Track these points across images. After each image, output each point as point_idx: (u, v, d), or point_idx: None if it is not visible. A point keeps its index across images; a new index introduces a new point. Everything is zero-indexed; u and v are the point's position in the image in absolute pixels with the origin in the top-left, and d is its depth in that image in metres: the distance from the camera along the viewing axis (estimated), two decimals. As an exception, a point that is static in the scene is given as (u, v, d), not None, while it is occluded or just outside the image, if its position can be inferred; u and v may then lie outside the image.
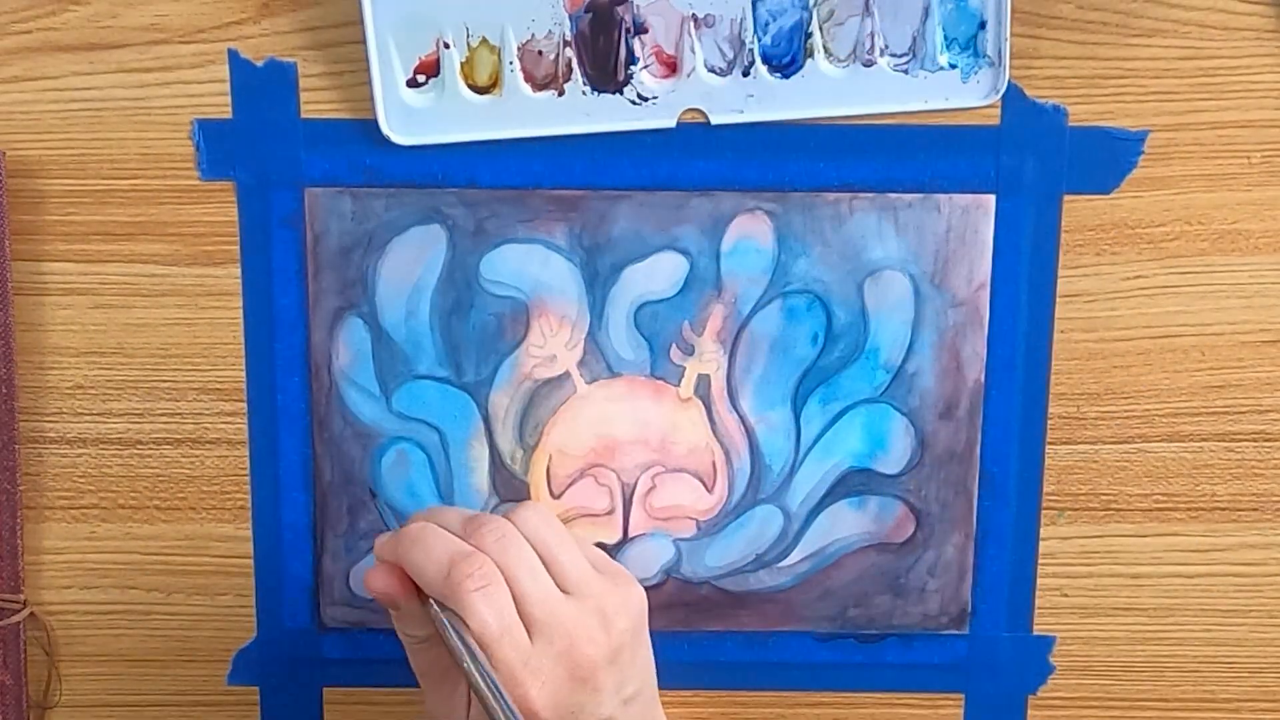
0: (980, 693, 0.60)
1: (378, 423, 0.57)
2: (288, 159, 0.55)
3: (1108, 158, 0.55)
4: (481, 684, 0.45)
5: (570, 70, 0.54)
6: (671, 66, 0.54)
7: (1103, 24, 0.54)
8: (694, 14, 0.53)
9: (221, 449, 0.57)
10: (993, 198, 0.55)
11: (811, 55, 0.54)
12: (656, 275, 0.56)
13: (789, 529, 0.58)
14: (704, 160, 0.55)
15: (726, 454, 0.57)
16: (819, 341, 0.57)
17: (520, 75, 0.54)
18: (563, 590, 0.47)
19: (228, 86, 0.54)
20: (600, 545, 0.58)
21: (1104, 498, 0.58)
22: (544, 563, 0.48)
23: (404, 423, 0.57)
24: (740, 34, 0.53)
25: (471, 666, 0.45)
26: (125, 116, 0.54)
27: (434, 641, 0.48)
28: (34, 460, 0.57)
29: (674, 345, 0.57)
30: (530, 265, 0.56)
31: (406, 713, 0.60)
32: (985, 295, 0.56)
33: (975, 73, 0.54)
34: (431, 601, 0.47)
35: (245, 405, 0.57)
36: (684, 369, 0.57)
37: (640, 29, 0.53)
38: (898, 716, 0.60)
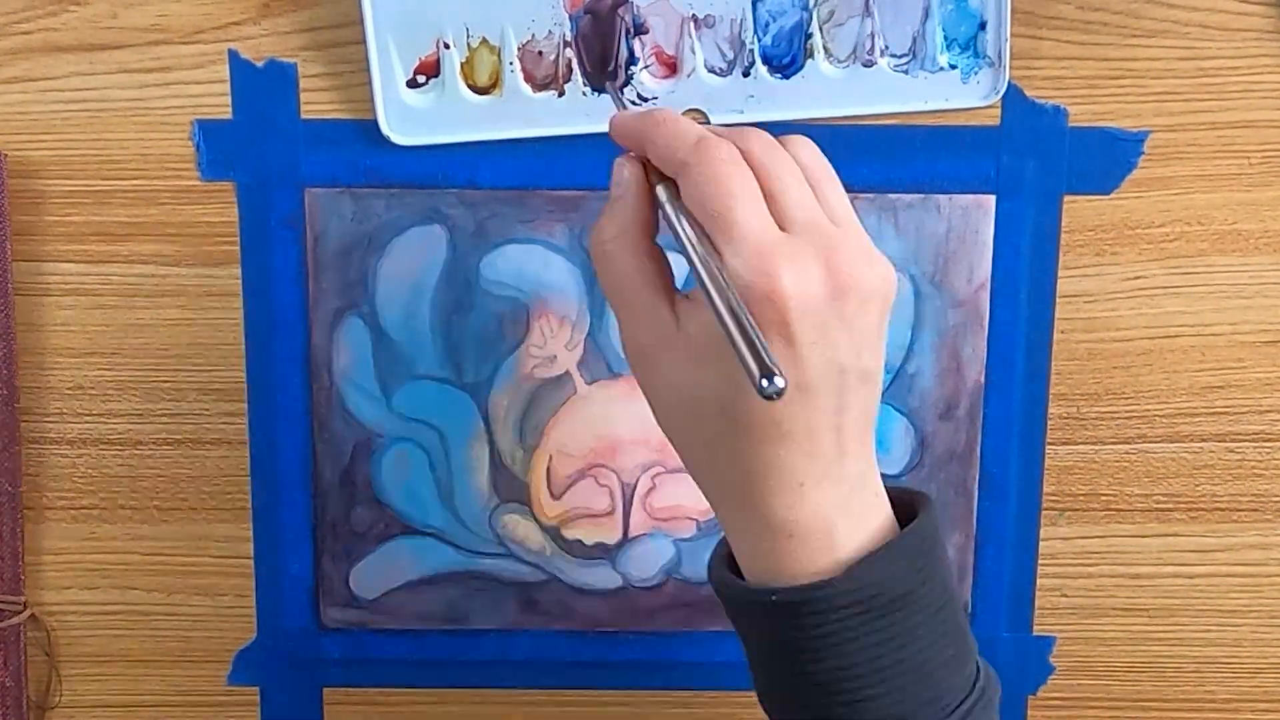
0: (980, 693, 0.60)
1: (378, 423, 0.57)
2: (288, 159, 0.55)
3: (1108, 158, 0.55)
4: (701, 270, 0.39)
5: (570, 71, 0.54)
6: (671, 67, 0.54)
7: (1103, 24, 0.54)
8: (694, 14, 0.53)
9: (221, 449, 0.57)
10: (993, 198, 0.55)
11: (811, 56, 0.54)
12: (656, 275, 0.56)
13: (789, 529, 0.58)
14: (704, 160, 0.55)
15: (726, 454, 0.57)
16: (819, 342, 0.56)
17: (520, 75, 0.54)
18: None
19: (228, 87, 0.54)
20: (600, 545, 0.58)
21: (1104, 498, 0.58)
22: (811, 187, 0.42)
23: (404, 423, 0.57)
24: (740, 34, 0.53)
25: (695, 249, 0.39)
26: (125, 117, 0.54)
27: (642, 247, 0.43)
28: (34, 461, 0.57)
29: (674, 345, 0.57)
30: (530, 265, 0.56)
31: (406, 713, 0.60)
32: (985, 295, 0.56)
33: (975, 73, 0.54)
34: (665, 193, 0.42)
35: (245, 405, 0.57)
36: (684, 369, 0.57)
37: (640, 29, 0.53)
38: (898, 716, 0.60)
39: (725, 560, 0.44)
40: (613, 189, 0.44)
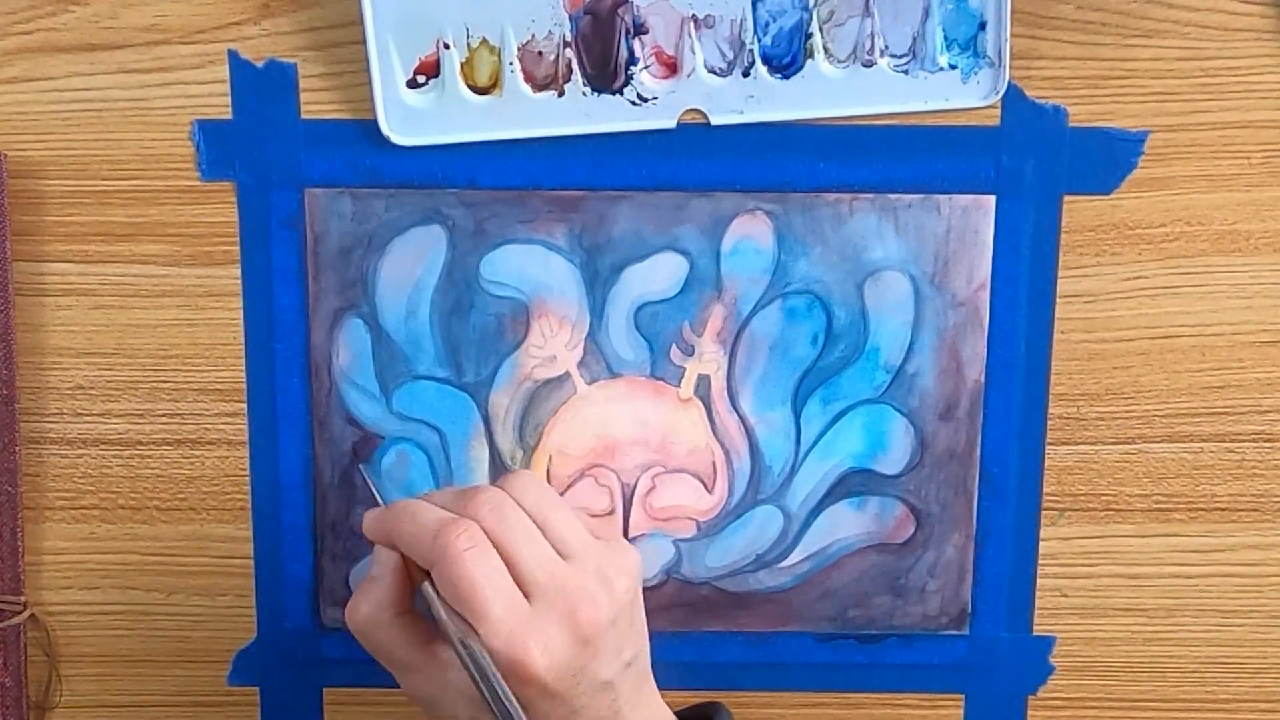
0: (980, 693, 0.60)
1: (378, 423, 0.57)
2: (288, 159, 0.55)
3: (1108, 158, 0.55)
4: (464, 655, 0.44)
5: (570, 71, 0.54)
6: (671, 67, 0.54)
7: (1103, 24, 0.54)
8: (694, 14, 0.53)
9: (221, 449, 0.57)
10: (993, 198, 0.55)
11: (811, 56, 0.54)
12: (656, 276, 0.56)
13: (789, 529, 0.58)
14: (704, 160, 0.55)
15: (726, 454, 0.57)
16: (819, 342, 0.57)
17: (520, 76, 0.54)
18: (560, 555, 0.47)
19: (228, 87, 0.54)
20: (600, 545, 0.58)
21: (1104, 498, 0.58)
22: (540, 529, 0.47)
23: (404, 423, 0.57)
24: (740, 34, 0.53)
25: (455, 636, 0.45)
26: (125, 117, 0.54)
27: (404, 621, 0.48)
28: (34, 461, 0.57)
29: (674, 346, 0.57)
30: (530, 266, 0.56)
31: (406, 713, 0.60)
32: (985, 295, 0.56)
33: (975, 73, 0.54)
34: (423, 585, 0.46)
35: (245, 405, 0.57)
36: (684, 369, 0.57)
37: (640, 29, 0.53)
38: (898, 717, 0.60)
39: None
40: (371, 569, 0.48)
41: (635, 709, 0.48)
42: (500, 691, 0.44)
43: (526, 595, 0.45)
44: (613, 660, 0.47)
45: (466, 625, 0.45)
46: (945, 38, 0.53)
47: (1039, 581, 0.59)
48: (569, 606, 0.46)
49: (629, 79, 0.54)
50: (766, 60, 0.54)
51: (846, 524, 0.58)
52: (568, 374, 0.57)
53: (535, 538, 0.46)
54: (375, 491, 0.52)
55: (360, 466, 0.57)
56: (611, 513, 0.58)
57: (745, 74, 0.54)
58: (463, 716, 0.47)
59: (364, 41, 0.53)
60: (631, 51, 0.53)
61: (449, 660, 0.46)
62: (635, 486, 0.58)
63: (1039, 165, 0.55)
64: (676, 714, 0.51)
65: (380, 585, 0.48)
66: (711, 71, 0.54)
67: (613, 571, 0.47)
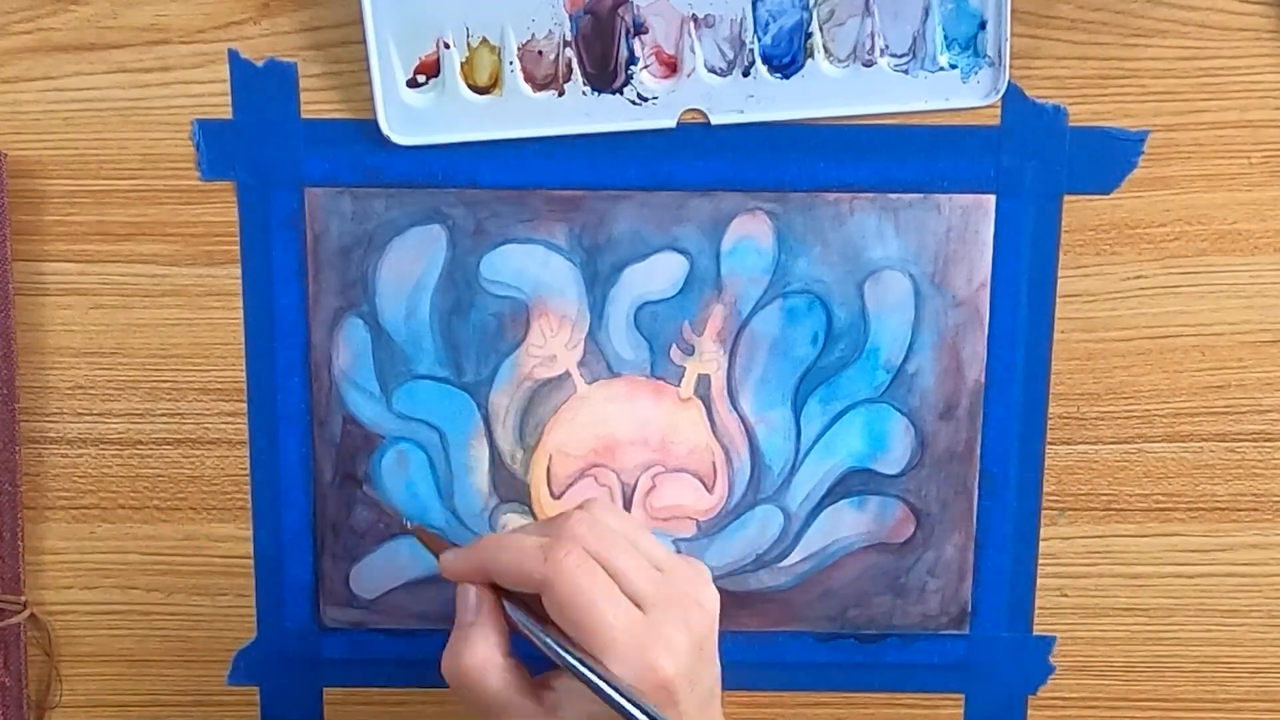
0: (980, 693, 0.60)
1: (378, 423, 0.57)
2: (288, 159, 0.55)
3: (1108, 158, 0.55)
4: (589, 675, 0.43)
5: (570, 70, 0.54)
6: (671, 67, 0.54)
7: (1103, 24, 0.54)
8: (694, 14, 0.53)
9: (221, 449, 0.57)
10: (993, 198, 0.55)
11: (811, 55, 0.54)
12: (656, 275, 0.56)
13: (789, 529, 0.58)
14: (704, 160, 0.55)
15: (726, 454, 0.57)
16: (819, 341, 0.57)
17: (520, 75, 0.54)
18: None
19: (228, 86, 0.54)
20: (600, 545, 0.58)
21: (1104, 498, 0.58)
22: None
23: (404, 423, 0.57)
24: (740, 34, 0.53)
25: (576, 659, 0.44)
26: (125, 116, 0.54)
27: (507, 665, 0.47)
28: (34, 460, 0.57)
29: (674, 345, 0.57)
30: (530, 265, 0.56)
31: (406, 713, 0.60)
32: (985, 295, 0.56)
33: (975, 73, 0.54)
34: (511, 611, 0.46)
35: (245, 405, 0.57)
36: (684, 369, 0.57)
37: (640, 29, 0.53)
38: (898, 716, 0.60)
39: None
40: (461, 615, 0.47)
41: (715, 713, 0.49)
42: (633, 702, 0.43)
43: (639, 606, 0.45)
44: (716, 667, 0.48)
45: (583, 650, 0.45)
46: (945, 37, 0.53)
47: (1039, 581, 0.59)
48: (682, 613, 0.46)
49: (629, 79, 0.54)
50: (766, 60, 0.54)
51: (846, 524, 0.58)
52: (568, 374, 0.57)
53: (633, 552, 0.47)
54: (434, 536, 0.52)
55: (406, 523, 0.56)
56: (611, 513, 0.58)
57: (745, 74, 0.54)
58: None
59: (364, 41, 0.53)
60: (631, 51, 0.53)
61: (559, 700, 0.46)
62: (635, 486, 0.58)
63: (1039, 165, 0.55)
64: None
65: (483, 628, 0.47)
66: (711, 71, 0.54)
67: (701, 581, 0.48)
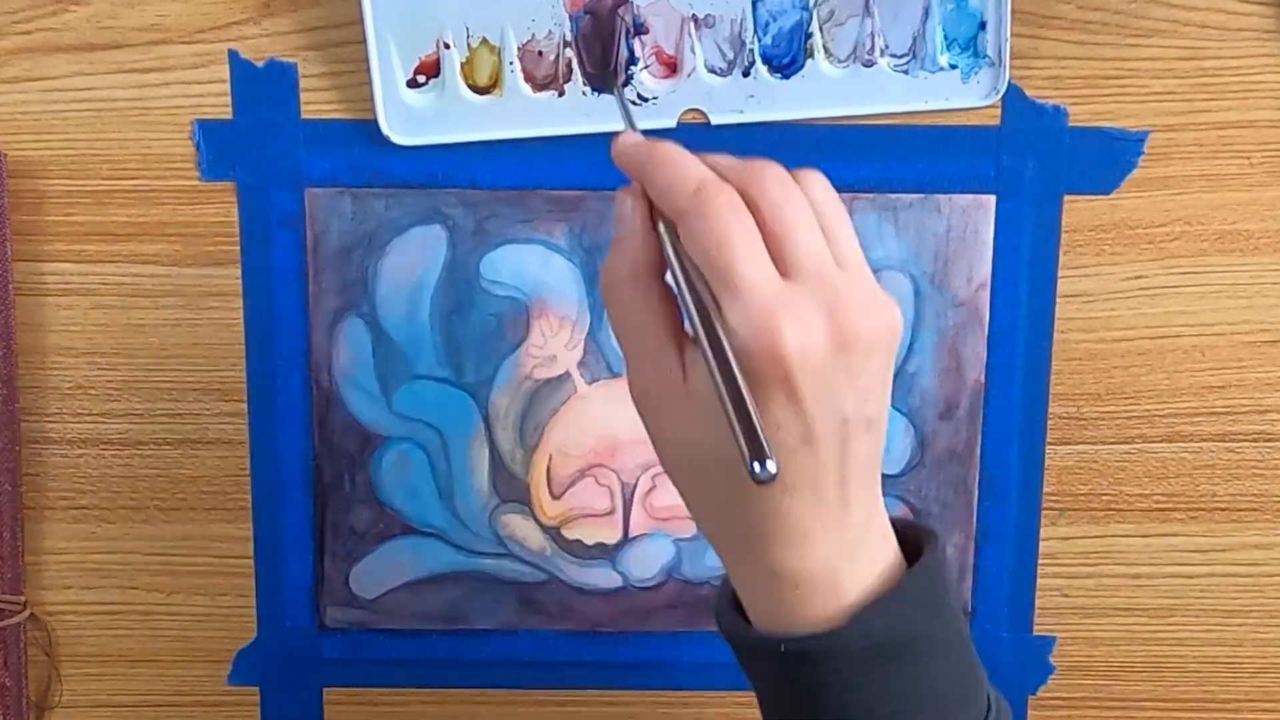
0: (980, 693, 0.60)
1: (378, 423, 0.57)
2: (288, 159, 0.55)
3: (1108, 158, 0.55)
4: (698, 321, 0.38)
5: (570, 71, 0.54)
6: (671, 67, 0.54)
7: (1103, 24, 0.54)
8: (694, 14, 0.53)
9: (221, 449, 0.57)
10: (993, 198, 0.55)
11: (811, 55, 0.54)
12: (656, 275, 0.56)
13: (789, 529, 0.58)
14: (704, 160, 0.55)
15: (726, 454, 0.57)
16: (819, 342, 0.56)
17: (520, 75, 0.54)
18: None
19: (228, 86, 0.54)
20: (600, 545, 0.58)
21: (1104, 498, 0.58)
22: (821, 228, 0.41)
23: (404, 423, 0.57)
24: (740, 34, 0.53)
25: (691, 301, 0.38)
26: (125, 116, 0.54)
27: (648, 285, 0.41)
28: (35, 460, 0.57)
29: (674, 345, 0.57)
30: (530, 265, 0.56)
31: (406, 713, 0.60)
32: (985, 295, 0.56)
33: (975, 73, 0.54)
34: (663, 224, 0.40)
35: (245, 405, 0.57)
36: (684, 369, 0.57)
37: (640, 29, 0.53)
38: (898, 716, 0.60)
39: (731, 604, 0.44)
40: (616, 224, 0.42)
41: (867, 481, 0.42)
42: (738, 387, 0.37)
43: (786, 274, 0.39)
44: (860, 401, 0.40)
45: (710, 295, 0.39)
46: (945, 37, 0.53)
47: (1039, 581, 0.59)
48: (831, 302, 0.39)
49: (629, 79, 0.54)
50: (766, 60, 0.54)
51: (846, 524, 0.58)
52: (568, 374, 0.57)
53: (814, 228, 0.40)
54: (627, 114, 0.47)
55: (615, 89, 0.51)
56: (612, 513, 0.58)
57: (745, 74, 0.54)
58: (680, 435, 0.41)
59: (364, 41, 0.53)
60: (631, 51, 0.53)
61: (691, 361, 0.40)
62: (635, 486, 0.58)
63: (1039, 165, 0.55)
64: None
65: (632, 241, 0.42)
66: (711, 71, 0.54)
67: (883, 304, 0.40)
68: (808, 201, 0.40)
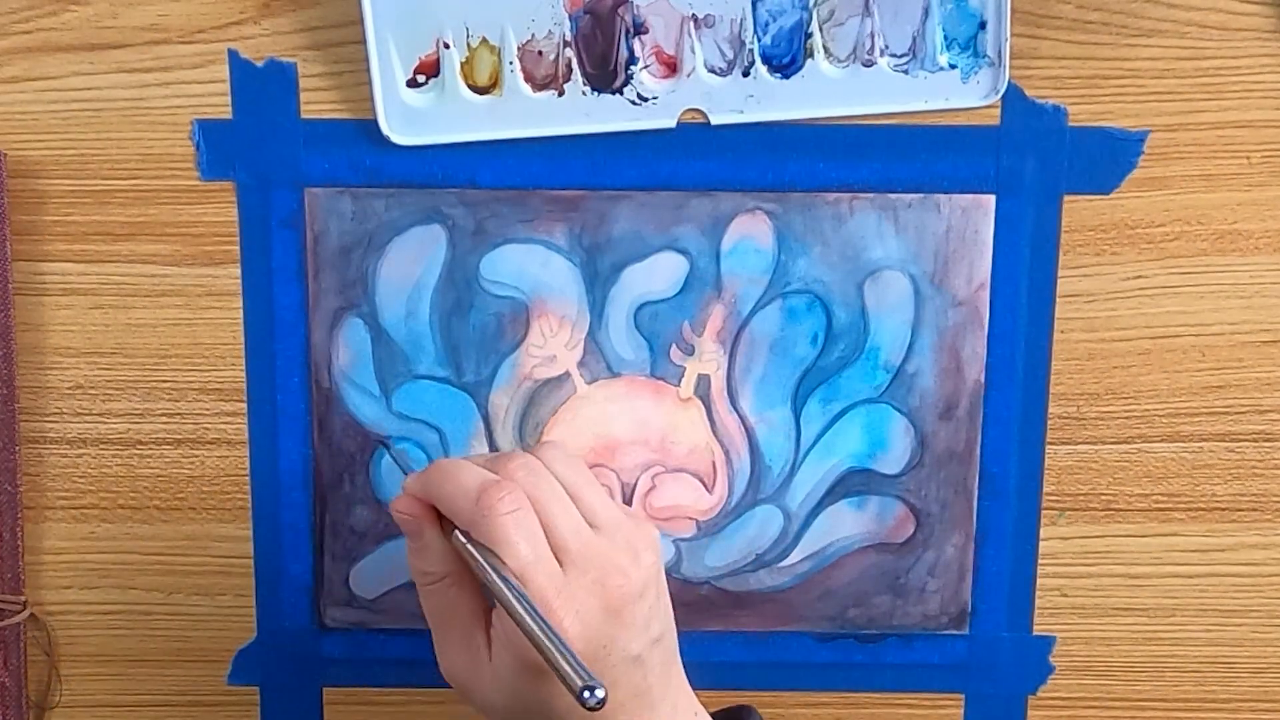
0: (980, 693, 0.60)
1: (378, 423, 0.57)
2: (288, 159, 0.55)
3: (1108, 158, 0.55)
4: (519, 607, 0.43)
5: (570, 71, 0.54)
6: (671, 67, 0.54)
7: (1103, 24, 0.54)
8: (694, 14, 0.53)
9: (221, 449, 0.57)
10: (993, 198, 0.55)
11: (811, 55, 0.54)
12: (656, 275, 0.56)
13: (789, 529, 0.58)
14: (704, 160, 0.55)
15: (726, 454, 0.57)
16: (819, 341, 0.57)
17: (520, 75, 0.54)
18: (590, 526, 0.47)
19: (228, 86, 0.54)
20: (600, 545, 0.58)
21: (1104, 498, 0.58)
22: (571, 498, 0.47)
23: (404, 423, 0.57)
24: (740, 34, 0.53)
25: (506, 591, 0.44)
26: (125, 116, 0.54)
27: (450, 582, 0.48)
28: (34, 460, 0.57)
29: (674, 345, 0.57)
30: (530, 265, 0.56)
31: (406, 713, 0.60)
32: (985, 295, 0.56)
33: (975, 73, 0.54)
34: (457, 534, 0.46)
35: (245, 405, 0.57)
36: (684, 369, 0.57)
37: (640, 29, 0.53)
38: (898, 716, 0.60)
39: None
40: (409, 536, 0.48)
41: (664, 688, 0.48)
42: (556, 640, 0.43)
43: (559, 562, 0.45)
44: (641, 634, 0.46)
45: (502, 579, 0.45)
46: (945, 37, 0.53)
47: (1039, 581, 0.59)
48: (600, 575, 0.45)
49: (629, 79, 0.54)
50: (766, 60, 0.54)
51: (846, 524, 0.58)
52: (568, 374, 0.57)
53: (568, 505, 0.46)
54: (399, 462, 0.54)
55: (383, 441, 0.57)
56: (611, 513, 0.58)
57: (745, 74, 0.54)
58: (493, 701, 0.47)
59: (364, 41, 0.53)
60: (631, 51, 0.53)
61: (495, 640, 0.46)
62: (635, 486, 0.58)
63: (1039, 165, 0.55)
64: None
65: (432, 548, 0.48)
66: (711, 71, 0.54)
67: (640, 545, 0.47)
68: (554, 478, 0.47)
